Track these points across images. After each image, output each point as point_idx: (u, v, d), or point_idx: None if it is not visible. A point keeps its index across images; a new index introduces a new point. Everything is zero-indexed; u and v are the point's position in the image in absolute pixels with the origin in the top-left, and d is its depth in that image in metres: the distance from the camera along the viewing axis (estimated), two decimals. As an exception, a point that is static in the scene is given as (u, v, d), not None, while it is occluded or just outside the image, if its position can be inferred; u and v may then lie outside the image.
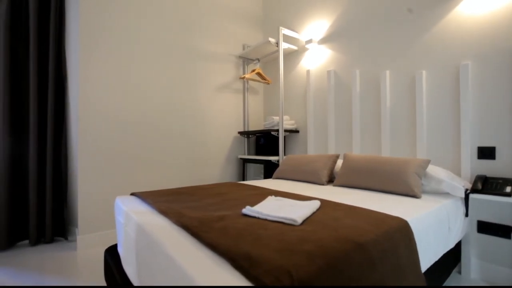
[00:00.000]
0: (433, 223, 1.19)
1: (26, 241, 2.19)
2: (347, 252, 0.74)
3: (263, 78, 3.05)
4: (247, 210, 1.05)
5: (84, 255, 1.97)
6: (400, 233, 0.95)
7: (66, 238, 2.28)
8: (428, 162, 1.55)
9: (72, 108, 2.22)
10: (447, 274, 1.45)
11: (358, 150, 2.25)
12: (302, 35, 2.79)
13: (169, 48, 2.57)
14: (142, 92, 2.40)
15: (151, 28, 2.45)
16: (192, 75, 2.73)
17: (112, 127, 2.24)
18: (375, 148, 2.17)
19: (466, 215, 1.51)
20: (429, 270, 1.17)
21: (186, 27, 2.68)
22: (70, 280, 1.61)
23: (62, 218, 2.28)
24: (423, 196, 1.48)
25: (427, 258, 1.12)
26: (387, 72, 2.07)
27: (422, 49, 1.90)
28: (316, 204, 1.14)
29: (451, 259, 1.49)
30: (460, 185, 1.47)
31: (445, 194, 1.52)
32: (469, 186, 1.58)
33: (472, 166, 1.66)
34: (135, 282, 1.07)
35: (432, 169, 1.59)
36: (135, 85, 2.36)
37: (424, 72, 1.87)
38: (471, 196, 1.49)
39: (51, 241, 2.19)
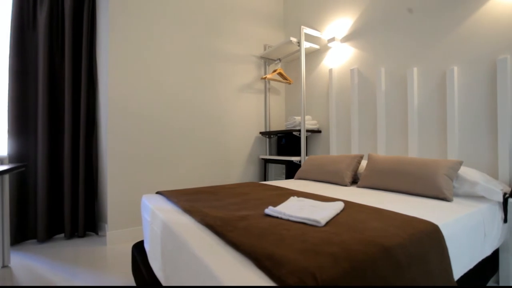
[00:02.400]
0: (467, 228, 1.12)
1: (62, 235, 2.34)
2: (373, 256, 0.72)
3: (285, 78, 3.04)
4: (270, 210, 1.05)
5: (113, 249, 2.08)
6: (430, 237, 0.91)
7: (97, 233, 2.41)
8: (460, 163, 1.47)
9: (102, 110, 2.34)
10: (484, 283, 1.36)
11: (383, 151, 2.17)
12: (324, 34, 2.74)
13: (192, 51, 2.63)
14: (166, 93, 2.48)
15: (175, 31, 2.53)
16: (215, 77, 2.78)
17: (139, 128, 2.33)
18: (402, 149, 2.08)
19: (505, 221, 1.41)
20: (463, 278, 1.10)
21: (208, 30, 2.73)
22: (101, 272, 1.70)
23: (93, 214, 2.41)
24: (455, 200, 1.40)
25: (460, 265, 1.05)
26: (415, 69, 1.98)
27: (453, 43, 1.79)
28: (339, 206, 1.12)
29: (488, 267, 1.39)
30: (498, 189, 1.37)
31: (480, 198, 1.42)
32: (508, 189, 1.47)
33: (511, 168, 1.54)
34: (160, 277, 1.10)
35: (465, 171, 1.50)
36: (159, 87, 2.45)
37: (455, 68, 1.77)
38: (511, 200, 1.38)
39: (83, 235, 2.33)
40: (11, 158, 2.11)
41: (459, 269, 1.05)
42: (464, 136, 1.74)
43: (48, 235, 2.24)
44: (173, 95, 2.52)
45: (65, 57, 2.28)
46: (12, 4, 2.11)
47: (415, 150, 1.97)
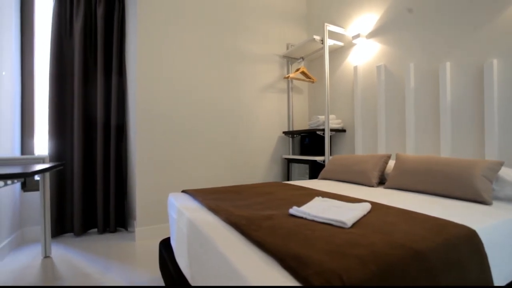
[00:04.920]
0: (508, 235, 1.04)
1: (95, 230, 2.49)
2: (403, 260, 0.69)
3: (308, 77, 3.00)
4: (294, 210, 1.05)
5: (142, 245, 2.17)
6: (466, 243, 0.85)
7: (126, 229, 2.54)
8: (500, 164, 1.36)
9: (130, 113, 2.45)
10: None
11: (412, 150, 2.07)
12: (348, 31, 2.66)
13: (215, 51, 2.68)
14: (190, 95, 2.54)
15: (198, 33, 2.58)
16: (238, 77, 2.81)
17: (164, 129, 2.42)
18: (433, 148, 1.97)
19: (553, 227, 1.28)
20: (504, 288, 1.02)
21: (231, 30, 2.76)
22: (130, 267, 1.78)
23: (123, 211, 2.54)
24: (495, 203, 1.30)
25: (502, 275, 0.98)
26: (448, 63, 1.86)
27: (492, 34, 1.66)
28: (366, 207, 1.08)
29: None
30: (544, 192, 1.26)
31: (524, 202, 1.31)
32: (556, 193, 1.34)
33: (560, 169, 1.40)
34: (186, 273, 1.13)
35: (506, 172, 1.39)
36: (183, 89, 2.52)
37: (495, 61, 1.64)
38: (560, 205, 1.26)
39: (114, 230, 2.46)
40: (51, 158, 2.28)
41: (501, 279, 0.97)
42: (505, 135, 1.61)
43: (83, 230, 2.39)
44: (196, 96, 2.58)
45: (98, 62, 2.42)
46: (52, 14, 2.28)
47: (448, 150, 1.85)
